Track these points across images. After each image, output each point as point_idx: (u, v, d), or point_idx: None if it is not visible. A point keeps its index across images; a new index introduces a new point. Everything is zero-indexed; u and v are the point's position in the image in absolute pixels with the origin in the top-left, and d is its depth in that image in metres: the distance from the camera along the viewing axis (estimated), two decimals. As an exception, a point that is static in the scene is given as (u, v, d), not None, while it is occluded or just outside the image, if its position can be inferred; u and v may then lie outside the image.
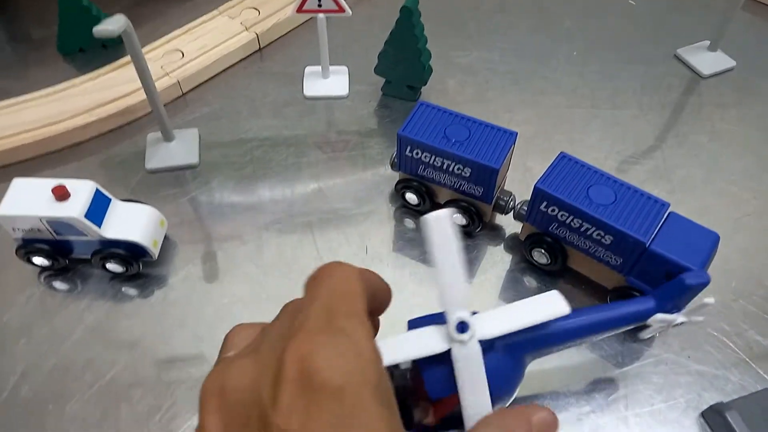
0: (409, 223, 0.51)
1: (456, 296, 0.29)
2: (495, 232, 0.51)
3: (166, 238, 0.49)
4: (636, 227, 0.39)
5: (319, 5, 0.54)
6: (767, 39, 0.66)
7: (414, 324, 0.34)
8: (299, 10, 0.54)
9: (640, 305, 0.36)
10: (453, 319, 0.29)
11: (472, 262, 0.49)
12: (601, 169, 0.42)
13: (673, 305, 0.36)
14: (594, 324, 0.35)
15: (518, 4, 0.71)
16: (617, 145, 0.56)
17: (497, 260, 0.49)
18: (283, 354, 0.21)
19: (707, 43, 0.64)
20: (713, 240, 0.39)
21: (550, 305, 0.31)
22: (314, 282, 0.24)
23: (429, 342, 0.29)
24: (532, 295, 0.41)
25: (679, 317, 0.36)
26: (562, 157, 0.44)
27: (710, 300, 0.35)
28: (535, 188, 0.42)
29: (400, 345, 0.29)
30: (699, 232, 0.40)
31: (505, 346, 0.32)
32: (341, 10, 0.54)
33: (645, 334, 0.40)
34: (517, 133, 0.45)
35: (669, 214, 0.41)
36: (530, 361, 0.36)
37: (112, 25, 0.41)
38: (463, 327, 0.30)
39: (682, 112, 0.59)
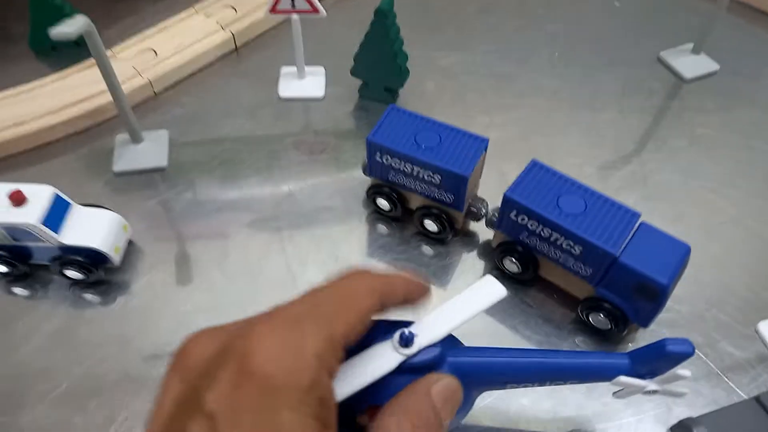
0: (382, 229, 0.50)
1: (432, 326, 0.30)
2: (468, 239, 0.50)
3: (130, 243, 0.48)
4: (605, 238, 0.38)
5: (293, 6, 0.53)
6: (751, 42, 0.66)
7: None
8: (272, 10, 0.53)
9: (611, 361, 0.32)
10: (396, 334, 0.29)
11: (445, 268, 0.48)
12: (579, 174, 0.41)
13: (648, 370, 0.32)
14: (551, 368, 0.32)
15: (501, 6, 0.70)
16: (595, 150, 0.55)
17: (469, 268, 0.48)
18: (238, 336, 0.22)
19: (690, 45, 0.63)
20: (684, 252, 0.38)
21: (486, 292, 0.31)
22: (332, 280, 0.26)
23: (378, 364, 0.29)
24: (502, 303, 0.42)
25: (651, 384, 0.32)
26: (534, 164, 0.43)
27: (686, 372, 0.30)
28: (505, 197, 0.42)
29: (350, 373, 0.29)
30: (670, 243, 0.39)
31: (454, 369, 0.31)
32: (315, 11, 0.53)
33: (620, 395, 0.35)
34: (488, 140, 0.44)
35: (640, 224, 0.40)
36: (479, 393, 0.34)
37: (70, 27, 0.39)
38: (407, 340, 0.29)
39: (662, 117, 0.58)
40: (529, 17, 0.68)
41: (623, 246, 0.38)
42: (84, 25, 0.41)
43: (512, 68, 0.63)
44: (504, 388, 0.34)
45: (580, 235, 0.39)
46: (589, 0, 0.70)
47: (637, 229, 0.39)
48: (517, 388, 0.34)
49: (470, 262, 0.49)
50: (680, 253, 0.38)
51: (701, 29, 0.61)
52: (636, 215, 0.40)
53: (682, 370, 0.30)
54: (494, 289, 0.31)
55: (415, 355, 0.29)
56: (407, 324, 0.31)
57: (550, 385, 0.33)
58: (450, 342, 0.32)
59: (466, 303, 0.31)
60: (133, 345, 0.43)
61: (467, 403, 0.33)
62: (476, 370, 0.32)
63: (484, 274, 0.48)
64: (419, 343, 0.30)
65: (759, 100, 0.59)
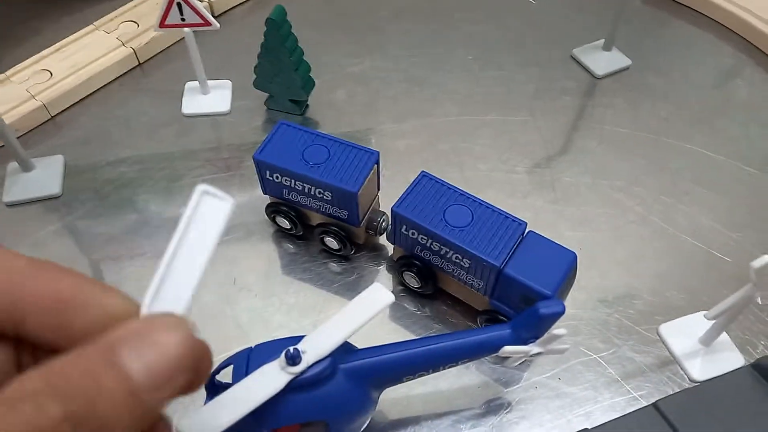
0: (287, 247, 0.49)
1: (320, 340, 0.29)
2: (376, 253, 0.49)
3: (19, 277, 0.46)
4: (489, 250, 0.37)
5: (182, 19, 0.51)
6: (665, 35, 0.65)
7: (213, 389, 0.33)
8: (161, 25, 0.51)
9: (494, 333, 0.34)
10: (282, 353, 0.29)
11: (353, 284, 0.47)
12: (487, 180, 0.41)
13: (530, 334, 0.34)
14: (439, 353, 0.34)
15: (416, 9, 0.68)
16: (505, 154, 0.54)
17: (378, 282, 0.47)
18: None
19: (602, 42, 0.62)
20: (570, 260, 0.38)
21: (373, 300, 0.31)
22: None
23: (265, 386, 0.29)
24: (412, 319, 0.44)
25: (534, 348, 0.34)
26: (422, 176, 0.41)
27: (561, 331, 0.33)
28: (392, 211, 0.40)
29: (237, 398, 0.29)
30: (556, 251, 0.38)
31: (347, 374, 0.32)
32: (207, 23, 0.51)
33: (509, 363, 0.39)
34: (378, 153, 0.43)
35: (528, 233, 0.39)
36: (379, 392, 0.35)
37: None
38: (293, 358, 0.30)
39: (573, 116, 0.57)
40: (445, 20, 0.67)
41: (507, 257, 0.37)
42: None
43: (426, 72, 0.62)
44: (402, 382, 0.35)
45: (465, 248, 0.38)
46: (505, 0, 0.69)
47: (523, 239, 0.38)
48: (414, 379, 0.35)
49: (378, 276, 0.47)
50: (566, 262, 0.37)
51: (612, 23, 0.60)
52: (522, 224, 0.39)
53: (558, 329, 0.32)
54: (381, 297, 0.32)
55: (304, 372, 0.30)
56: (296, 340, 0.31)
57: (444, 369, 0.35)
58: (343, 348, 0.32)
59: (354, 313, 0.31)
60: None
61: (369, 404, 0.34)
62: (371, 370, 0.33)
63: (392, 289, 0.47)
64: (307, 359, 0.30)
65: (670, 94, 0.59)
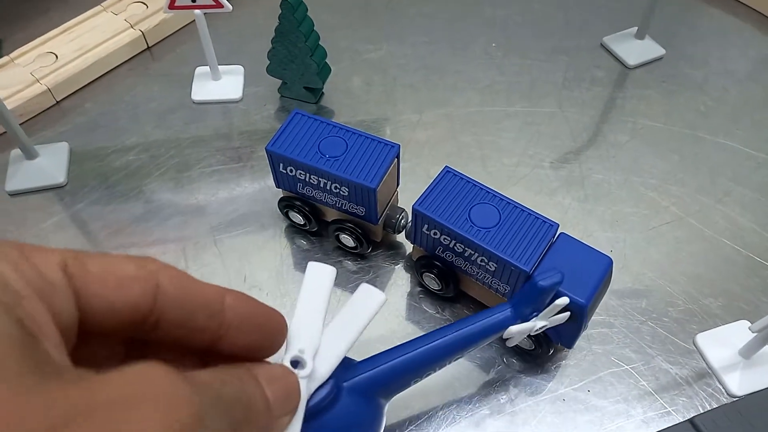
0: (300, 243, 0.46)
1: (304, 338, 0.26)
2: (394, 251, 0.46)
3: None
4: (519, 254, 0.35)
5: (193, 1, 0.48)
6: (700, 24, 0.62)
7: None
8: (170, 6, 0.49)
9: (496, 315, 0.33)
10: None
11: (370, 284, 0.44)
12: (513, 175, 0.39)
13: (531, 310, 0.33)
14: (443, 347, 0.32)
15: (437, -9, 0.65)
16: (531, 148, 0.51)
17: (395, 282, 0.44)
18: None
19: (634, 30, 0.59)
20: (605, 265, 0.35)
21: (365, 304, 0.27)
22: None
23: None
24: (431, 323, 0.42)
25: (538, 322, 0.33)
26: (446, 172, 0.39)
27: (563, 300, 0.32)
28: (413, 210, 0.38)
29: None
30: (590, 256, 0.35)
31: (352, 391, 0.29)
32: (218, 5, 0.49)
33: (510, 343, 0.36)
34: (399, 146, 0.40)
35: (559, 235, 0.36)
36: (387, 401, 0.32)
37: None
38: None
39: (603, 109, 0.54)
40: (467, 4, 0.64)
41: (538, 261, 0.35)
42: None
43: (446, 60, 0.59)
44: (411, 386, 0.32)
45: (492, 251, 0.35)
46: (531, -17, 0.66)
47: (555, 242, 0.36)
48: (422, 380, 0.33)
49: (395, 275, 0.45)
50: (601, 267, 0.35)
51: (645, 11, 0.57)
52: (554, 226, 0.36)
53: (560, 299, 0.32)
54: (372, 299, 0.28)
55: (308, 400, 0.27)
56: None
57: (450, 363, 0.33)
58: (342, 364, 0.29)
59: (346, 325, 0.27)
60: None
61: (379, 416, 0.31)
62: (377, 381, 0.30)
63: (410, 289, 0.44)
64: (309, 387, 0.26)
65: (707, 86, 0.56)
